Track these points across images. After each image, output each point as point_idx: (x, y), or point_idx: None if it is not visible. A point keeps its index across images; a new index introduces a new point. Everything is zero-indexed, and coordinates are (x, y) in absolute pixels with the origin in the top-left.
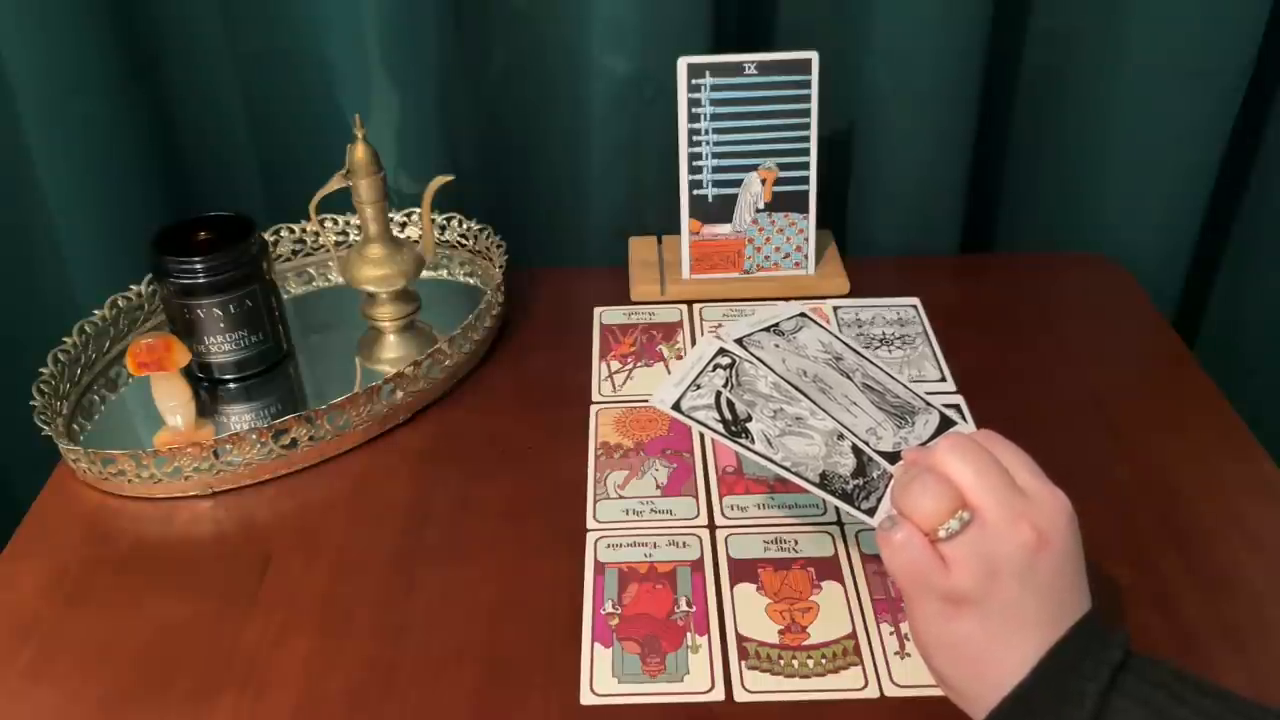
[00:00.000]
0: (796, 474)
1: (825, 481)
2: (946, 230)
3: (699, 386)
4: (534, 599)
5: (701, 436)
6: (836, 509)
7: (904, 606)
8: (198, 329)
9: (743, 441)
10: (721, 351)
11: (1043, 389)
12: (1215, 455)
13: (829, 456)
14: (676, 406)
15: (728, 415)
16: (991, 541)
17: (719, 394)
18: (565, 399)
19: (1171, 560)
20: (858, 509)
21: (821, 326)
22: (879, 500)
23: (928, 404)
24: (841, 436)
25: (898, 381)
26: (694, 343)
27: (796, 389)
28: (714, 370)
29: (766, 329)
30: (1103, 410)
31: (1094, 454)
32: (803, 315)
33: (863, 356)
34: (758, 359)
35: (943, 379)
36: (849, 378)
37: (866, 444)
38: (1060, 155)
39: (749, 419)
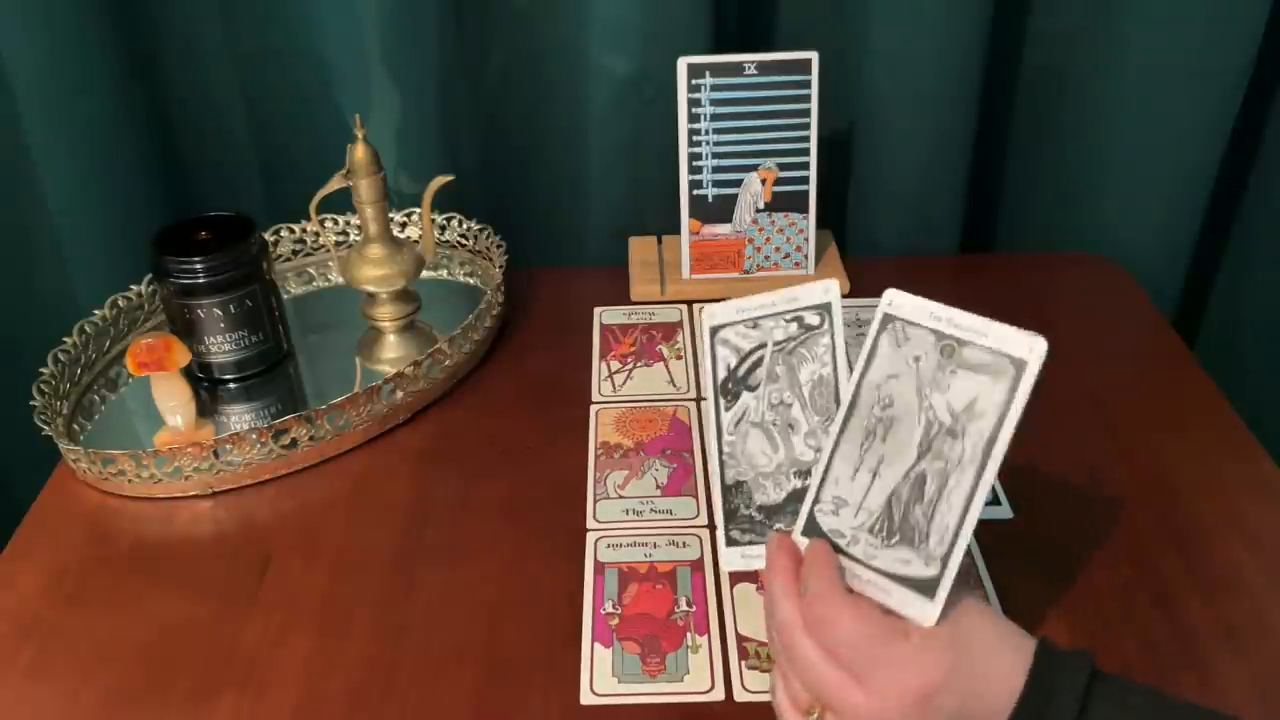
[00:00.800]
0: (721, 461)
1: (731, 488)
2: (946, 230)
3: (756, 325)
4: (534, 599)
5: (701, 435)
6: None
7: None
8: (198, 329)
9: (719, 402)
10: (818, 309)
11: (1043, 389)
12: (1215, 455)
13: (765, 477)
14: (717, 330)
15: (740, 370)
16: None
17: (757, 350)
18: (565, 399)
19: (1171, 560)
20: (724, 530)
21: (1022, 391)
22: (748, 544)
23: (946, 562)
24: (799, 475)
25: (956, 511)
26: (694, 342)
27: (844, 411)
28: (788, 322)
29: (921, 329)
30: (1102, 410)
31: (1093, 454)
32: (1005, 357)
33: (984, 465)
34: (847, 355)
35: None
36: (921, 458)
37: (814, 501)
38: (1060, 155)
39: (752, 388)
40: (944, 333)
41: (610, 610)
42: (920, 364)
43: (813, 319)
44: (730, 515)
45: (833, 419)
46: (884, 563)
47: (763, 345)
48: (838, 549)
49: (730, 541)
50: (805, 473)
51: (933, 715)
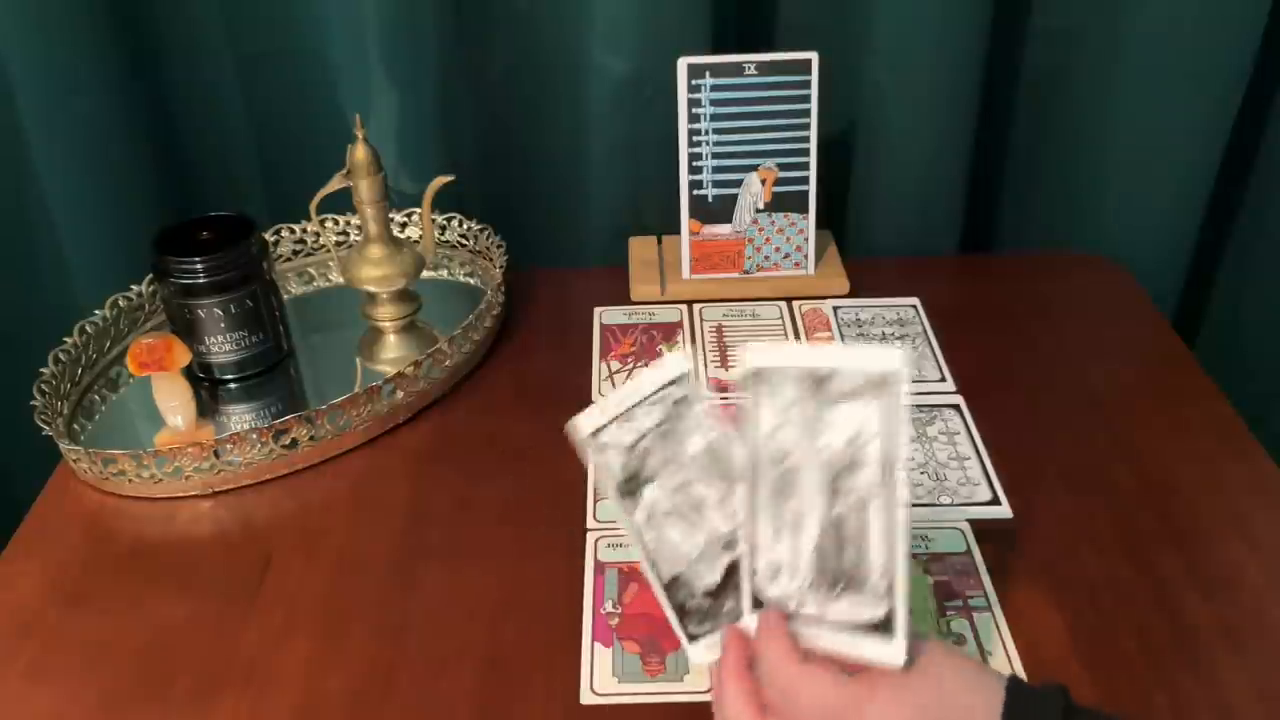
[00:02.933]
0: (650, 562)
1: (671, 585)
2: (946, 230)
3: (631, 419)
4: (534, 599)
5: None
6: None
7: None
8: (198, 329)
9: (625, 505)
10: (676, 382)
11: (1043, 389)
12: (1215, 455)
13: (697, 561)
14: (595, 434)
15: (631, 467)
16: None
17: (639, 442)
18: (565, 399)
19: (1171, 560)
20: (683, 629)
21: (897, 404)
22: (708, 632)
23: (892, 594)
24: (728, 546)
25: (883, 541)
26: (694, 343)
27: (748, 477)
28: (653, 405)
29: (787, 374)
30: (1103, 410)
31: (1094, 454)
32: (872, 375)
33: (891, 486)
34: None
35: (943, 379)
36: (833, 500)
37: (751, 574)
38: (1060, 155)
39: (649, 480)
40: (808, 369)
41: (610, 610)
42: (798, 409)
43: (676, 393)
44: (681, 612)
45: (736, 482)
46: (836, 615)
47: (642, 435)
48: (791, 615)
49: (691, 638)
50: (732, 543)
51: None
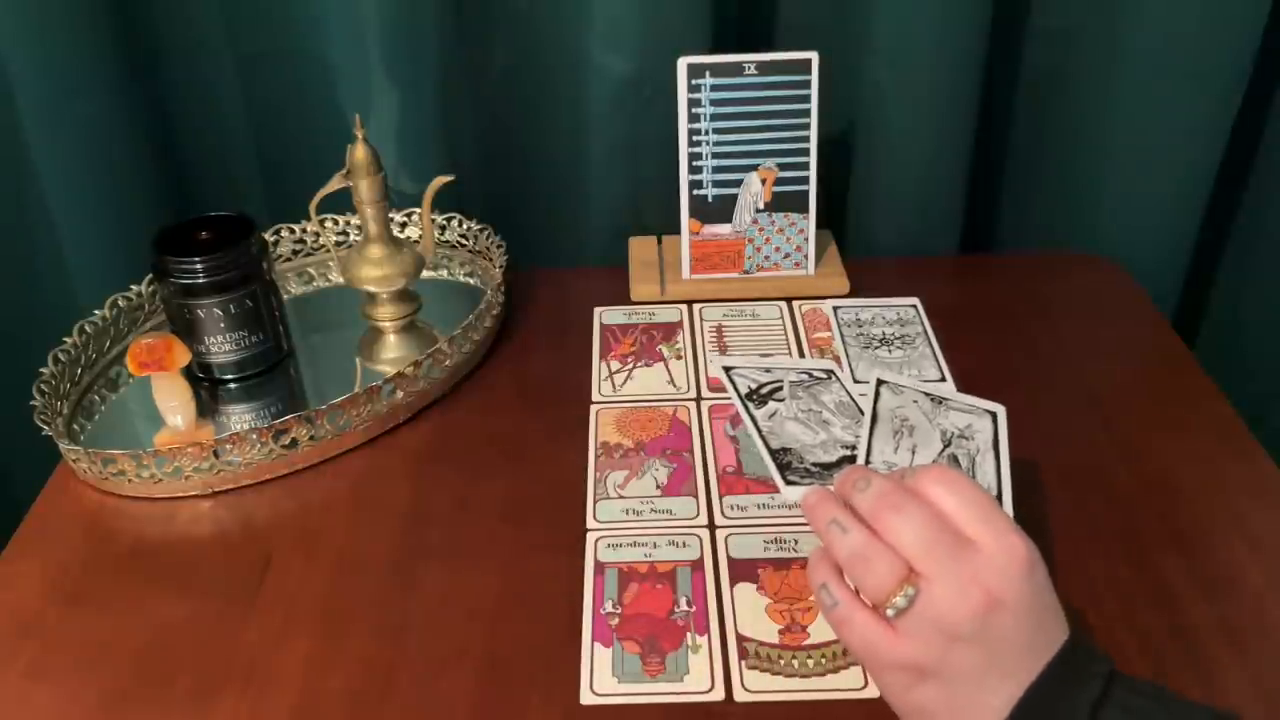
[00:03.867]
0: (763, 437)
1: (778, 453)
2: (946, 230)
3: (769, 370)
4: (534, 599)
5: (701, 435)
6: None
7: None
8: (198, 329)
9: (748, 406)
10: (825, 370)
11: (1043, 389)
12: (1215, 455)
13: (814, 446)
14: (730, 369)
15: (762, 389)
16: (940, 610)
17: (774, 381)
18: (565, 399)
19: (1171, 560)
20: (780, 477)
21: (1003, 425)
22: (801, 479)
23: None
24: (847, 446)
25: (991, 471)
26: (694, 342)
27: (869, 418)
28: (799, 373)
29: (909, 390)
30: (1102, 410)
31: (1094, 454)
32: (981, 410)
33: (998, 450)
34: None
35: (943, 379)
36: (946, 446)
37: (867, 461)
38: (1060, 155)
39: (779, 400)
40: (928, 394)
41: (610, 610)
42: (919, 404)
43: (820, 374)
44: (784, 466)
45: (860, 423)
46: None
47: (779, 381)
48: None
49: (789, 483)
50: (850, 445)
51: (1035, 588)
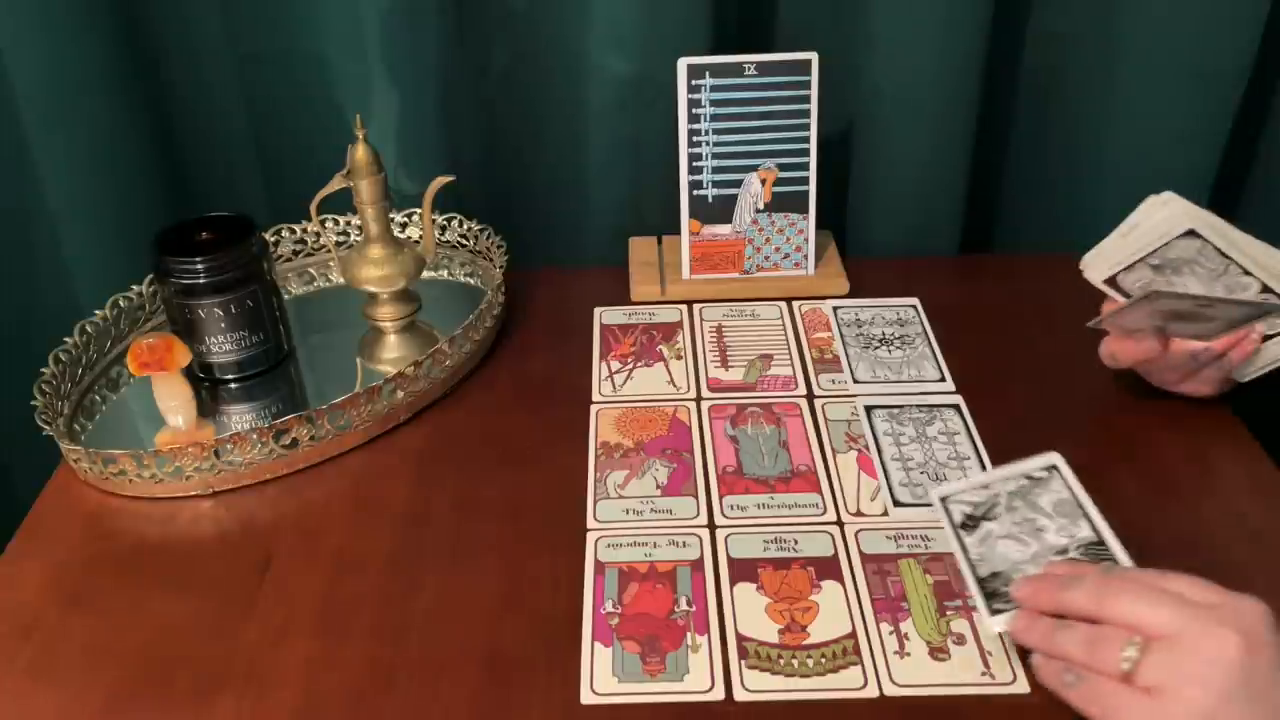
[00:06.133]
0: (970, 564)
1: (984, 580)
2: (946, 230)
3: (986, 487)
4: (534, 599)
5: (701, 435)
6: (838, 511)
7: None
8: (199, 329)
9: (959, 534)
10: (1045, 468)
11: (1043, 389)
12: (1215, 455)
13: (1026, 563)
14: (946, 497)
15: (977, 511)
16: (1193, 656)
17: (991, 499)
18: (565, 399)
19: (1172, 561)
20: (985, 607)
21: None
22: (1007, 603)
23: None
24: (1060, 552)
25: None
26: (694, 342)
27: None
28: (1016, 480)
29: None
30: (1102, 410)
31: (1094, 454)
32: (1042, 468)
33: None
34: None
35: (942, 379)
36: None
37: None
38: (1060, 155)
39: (992, 519)
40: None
41: (610, 610)
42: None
43: (1039, 474)
44: (991, 595)
45: (1078, 523)
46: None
47: (996, 497)
48: None
49: (995, 612)
50: (1063, 551)
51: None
